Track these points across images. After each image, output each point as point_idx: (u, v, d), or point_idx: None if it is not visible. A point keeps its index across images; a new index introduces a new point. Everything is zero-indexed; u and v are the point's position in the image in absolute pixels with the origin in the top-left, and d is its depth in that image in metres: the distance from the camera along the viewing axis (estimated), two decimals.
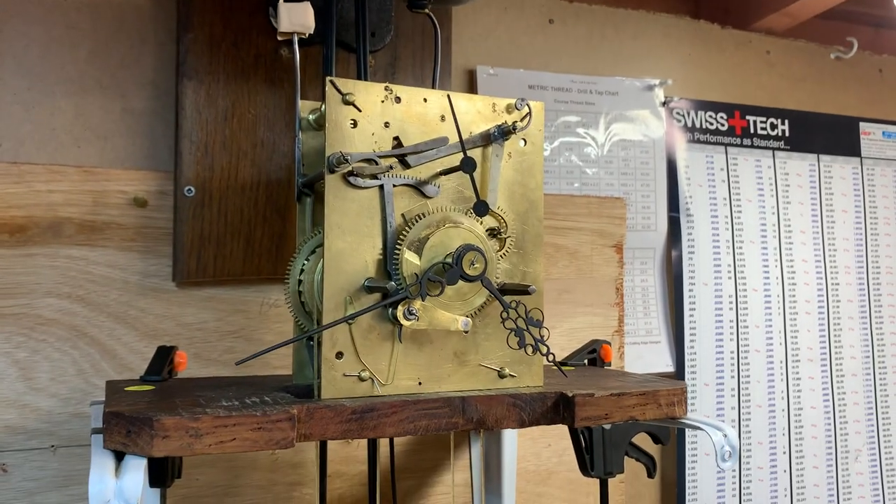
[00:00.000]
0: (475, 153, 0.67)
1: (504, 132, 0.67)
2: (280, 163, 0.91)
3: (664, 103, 1.21)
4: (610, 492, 1.14)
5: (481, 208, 0.61)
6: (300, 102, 0.71)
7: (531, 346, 0.63)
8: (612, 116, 1.17)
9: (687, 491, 1.18)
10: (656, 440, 0.92)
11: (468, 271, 0.60)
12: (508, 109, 0.69)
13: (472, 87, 1.09)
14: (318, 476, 0.85)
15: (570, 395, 0.65)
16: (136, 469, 0.51)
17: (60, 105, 0.88)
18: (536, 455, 1.08)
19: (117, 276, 0.87)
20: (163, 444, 0.53)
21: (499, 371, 0.68)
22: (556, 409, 0.66)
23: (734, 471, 1.21)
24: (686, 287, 1.20)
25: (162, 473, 0.69)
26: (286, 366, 0.92)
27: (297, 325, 0.70)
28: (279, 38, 0.68)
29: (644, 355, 1.17)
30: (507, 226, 0.68)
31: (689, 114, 1.23)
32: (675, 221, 1.20)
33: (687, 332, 1.19)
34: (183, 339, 0.89)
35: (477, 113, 0.68)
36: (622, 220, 1.13)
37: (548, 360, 0.65)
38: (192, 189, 0.88)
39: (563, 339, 1.09)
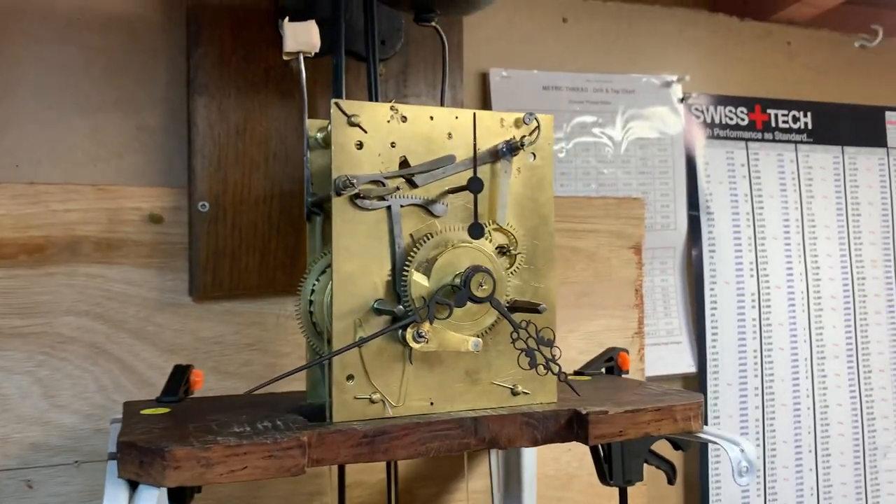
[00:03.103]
0: (483, 170, 0.67)
1: (512, 148, 0.66)
2: (293, 174, 0.91)
3: (682, 99, 1.19)
4: (632, 494, 1.13)
5: (476, 231, 0.61)
6: (308, 122, 0.71)
7: (542, 365, 0.62)
8: (628, 115, 1.15)
9: (710, 491, 1.17)
10: (676, 447, 0.91)
11: (476, 293, 0.60)
12: (517, 124, 0.68)
13: (485, 89, 1.08)
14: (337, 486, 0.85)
15: (584, 412, 0.65)
16: (150, 500, 0.51)
17: (75, 124, 0.89)
18: (556, 460, 1.07)
19: (135, 292, 0.88)
20: (175, 474, 0.53)
21: (511, 389, 0.68)
22: (570, 426, 0.66)
23: (759, 471, 1.19)
24: (707, 286, 1.18)
25: (181, 492, 0.70)
26: (302, 382, 0.93)
27: (309, 346, 0.70)
28: (284, 59, 0.68)
29: (665, 356, 1.16)
30: (517, 242, 0.67)
31: (708, 109, 1.21)
32: (695, 220, 1.18)
33: (709, 331, 1.18)
34: (201, 352, 0.90)
35: (485, 129, 0.67)
36: (640, 221, 1.12)
37: (560, 379, 0.64)
38: (206, 204, 0.88)
39: (582, 343, 1.08)
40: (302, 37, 0.68)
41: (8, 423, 0.83)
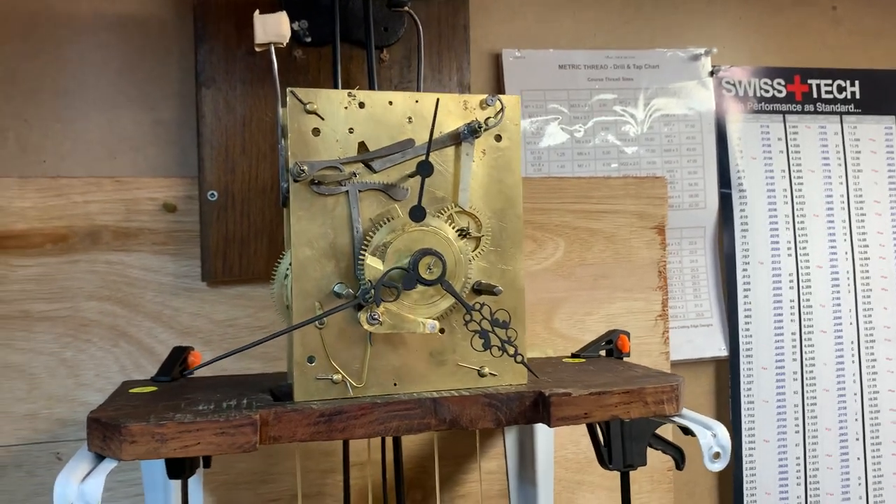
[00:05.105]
0: (447, 153, 0.67)
1: (472, 130, 0.66)
2: None
3: (712, 73, 1.14)
4: (658, 479, 1.11)
5: (417, 214, 0.61)
6: (281, 110, 0.72)
7: (497, 347, 0.62)
8: (652, 91, 1.12)
9: (745, 478, 1.13)
10: (686, 431, 0.88)
11: (425, 276, 0.61)
12: (481, 105, 0.68)
13: (497, 71, 1.07)
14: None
15: (547, 394, 0.64)
16: (101, 473, 0.55)
17: (96, 120, 0.94)
18: (575, 443, 1.06)
19: (151, 278, 0.93)
20: (131, 448, 0.57)
21: (478, 370, 0.68)
22: (536, 408, 0.66)
23: (798, 458, 1.14)
24: (739, 266, 1.14)
25: (178, 466, 0.74)
26: None
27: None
28: (256, 50, 0.70)
29: (694, 339, 1.13)
30: (481, 224, 0.67)
31: (740, 83, 1.16)
32: (727, 198, 1.14)
33: (741, 313, 1.13)
34: (215, 335, 0.94)
35: (447, 112, 0.67)
36: (663, 200, 1.09)
37: (516, 361, 0.64)
38: (215, 193, 0.92)
39: (600, 326, 1.07)
40: (272, 28, 0.70)
41: (38, 400, 0.90)
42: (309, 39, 0.93)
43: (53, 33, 0.93)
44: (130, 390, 0.71)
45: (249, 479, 0.95)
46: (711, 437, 0.64)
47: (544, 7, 1.10)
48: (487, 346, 0.62)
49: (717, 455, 0.64)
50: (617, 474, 1.09)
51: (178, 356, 0.78)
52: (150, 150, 0.96)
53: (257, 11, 0.71)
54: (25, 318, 0.90)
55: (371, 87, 0.89)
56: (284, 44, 0.71)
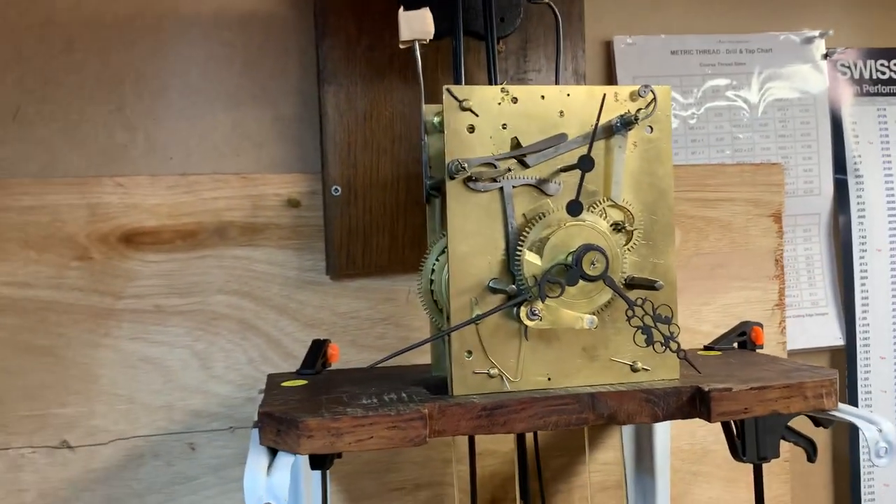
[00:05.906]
0: (598, 145, 0.67)
1: (626, 122, 0.65)
2: (418, 157, 0.94)
3: (826, 56, 1.11)
4: (776, 471, 1.10)
5: (574, 208, 0.60)
6: (425, 107, 0.73)
7: (660, 342, 0.62)
8: (765, 75, 1.10)
9: (862, 470, 1.11)
10: (817, 423, 0.87)
11: (588, 271, 0.60)
12: (632, 97, 0.67)
13: (608, 58, 1.06)
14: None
15: (707, 389, 0.64)
16: (285, 467, 0.56)
17: (220, 118, 0.96)
18: (691, 434, 1.06)
19: (277, 272, 0.95)
20: (308, 443, 0.58)
21: (631, 365, 0.67)
22: (693, 403, 0.65)
23: None
24: (856, 254, 1.11)
25: (321, 458, 0.75)
26: (428, 354, 0.96)
27: (431, 321, 0.73)
28: (401, 47, 0.71)
29: (809, 329, 1.11)
30: (633, 218, 0.67)
31: (855, 65, 1.12)
32: (842, 184, 1.11)
33: (858, 302, 1.11)
34: (339, 327, 0.96)
35: (597, 104, 0.67)
36: (780, 188, 1.07)
37: (679, 356, 0.64)
38: (339, 188, 0.93)
39: (717, 316, 1.05)
40: (416, 25, 0.70)
41: (173, 392, 0.92)
42: None
43: (180, 31, 0.95)
44: (282, 384, 0.73)
45: (374, 468, 0.96)
46: (877, 431, 0.63)
47: None
48: (650, 341, 0.62)
49: (883, 450, 0.62)
50: (733, 465, 1.07)
51: (319, 349, 0.80)
52: (271, 146, 0.97)
53: (402, 9, 0.71)
54: (159, 312, 0.92)
55: (490, 79, 0.89)
56: (428, 40, 0.71)
